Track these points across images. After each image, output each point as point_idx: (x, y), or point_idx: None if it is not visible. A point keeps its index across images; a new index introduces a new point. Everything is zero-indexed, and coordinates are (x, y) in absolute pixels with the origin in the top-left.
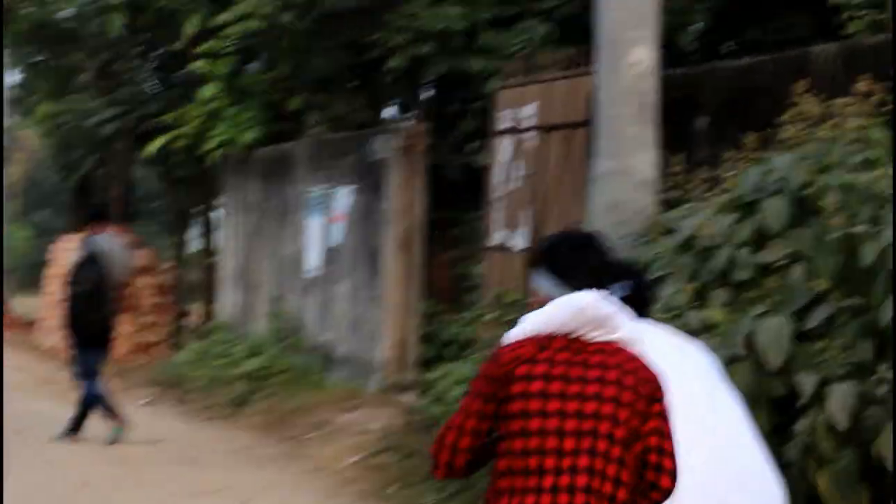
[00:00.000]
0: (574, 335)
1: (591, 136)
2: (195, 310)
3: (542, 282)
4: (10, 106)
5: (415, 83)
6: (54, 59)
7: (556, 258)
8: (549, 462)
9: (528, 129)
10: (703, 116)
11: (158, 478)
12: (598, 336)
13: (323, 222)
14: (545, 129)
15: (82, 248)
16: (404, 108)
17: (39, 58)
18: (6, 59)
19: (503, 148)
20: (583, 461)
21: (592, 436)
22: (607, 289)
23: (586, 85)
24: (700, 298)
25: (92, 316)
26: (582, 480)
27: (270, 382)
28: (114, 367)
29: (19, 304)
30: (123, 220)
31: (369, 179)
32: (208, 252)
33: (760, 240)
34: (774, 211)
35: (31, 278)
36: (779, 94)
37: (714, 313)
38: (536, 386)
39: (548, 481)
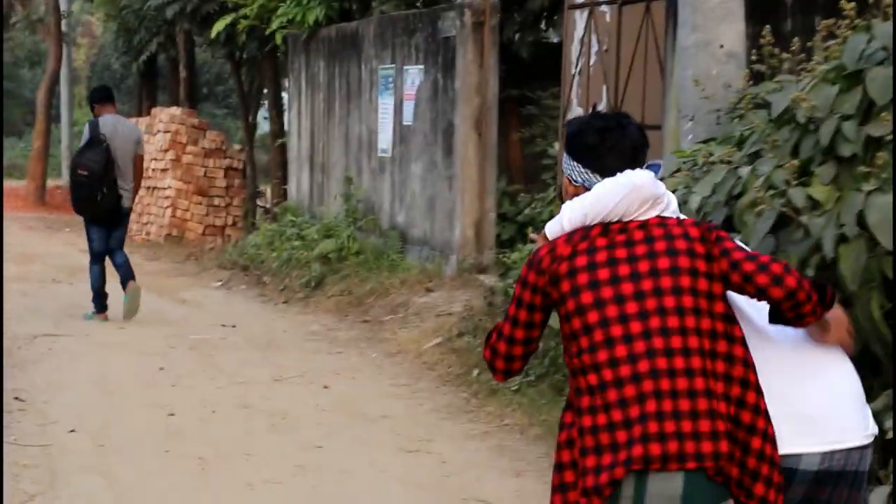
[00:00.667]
0: (612, 220)
1: (670, 8)
2: (267, 192)
3: (575, 169)
4: None
5: None
6: None
7: (582, 142)
8: (621, 350)
9: (603, 3)
10: None
11: (234, 363)
12: (642, 214)
13: (393, 102)
14: (622, 2)
15: (86, 131)
16: None
17: None
18: None
19: (578, 23)
20: (657, 342)
21: (659, 314)
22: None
23: None
24: (803, 174)
25: (96, 197)
26: (662, 363)
27: (345, 264)
28: (187, 250)
29: None
30: (190, 103)
31: (439, 57)
32: (278, 133)
33: (867, 112)
34: (880, 81)
35: None
36: None
37: (819, 190)
38: (583, 278)
39: (625, 370)
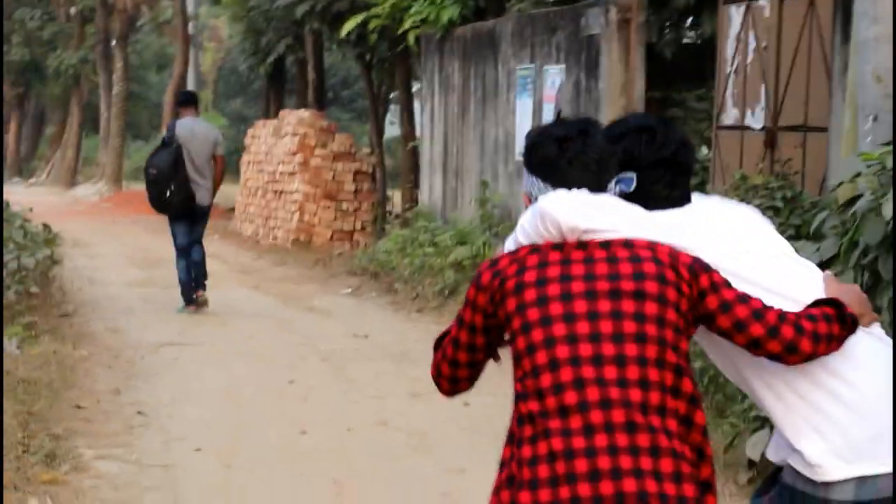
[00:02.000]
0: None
1: (838, 0)
2: (396, 197)
3: (534, 185)
4: None
5: None
6: None
7: (540, 154)
8: (566, 374)
9: None
10: None
11: (368, 376)
12: (597, 235)
13: (532, 103)
14: None
15: (165, 133)
16: None
17: None
18: None
19: (734, 18)
20: (610, 371)
21: (615, 340)
22: (603, 186)
23: None
24: None
25: (169, 196)
26: (614, 393)
27: None
28: (315, 256)
29: (218, 192)
30: (318, 106)
31: (581, 57)
32: (409, 137)
33: None
34: None
35: (228, 165)
36: None
37: None
38: (530, 294)
39: (570, 398)
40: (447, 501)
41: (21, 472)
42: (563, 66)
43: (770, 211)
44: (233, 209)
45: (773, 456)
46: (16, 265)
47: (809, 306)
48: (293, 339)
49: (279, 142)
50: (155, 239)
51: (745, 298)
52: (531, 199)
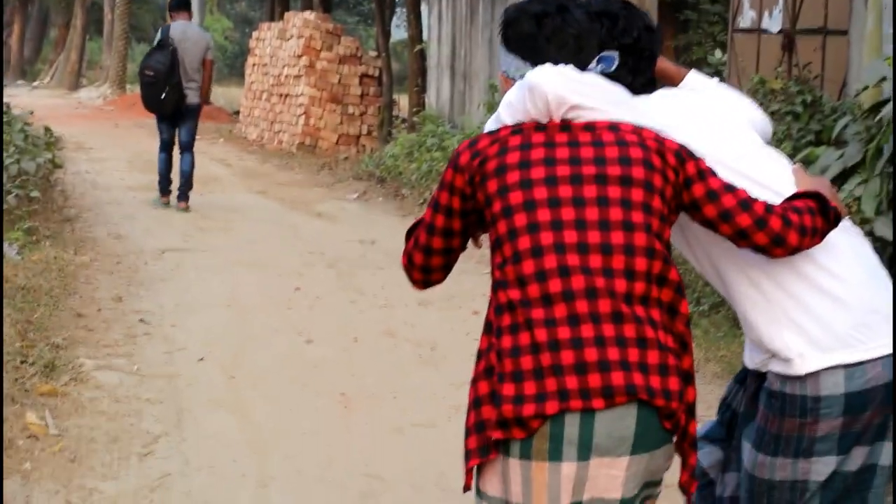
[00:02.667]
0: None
1: None
2: (403, 101)
3: (507, 62)
4: None
5: None
6: None
7: (517, 31)
8: (550, 261)
9: None
10: None
11: (375, 284)
12: (579, 116)
13: None
14: None
15: (158, 35)
16: None
17: None
18: None
19: None
20: (594, 259)
21: (601, 227)
22: (583, 65)
23: None
24: None
25: (164, 97)
26: (600, 282)
27: None
28: (321, 160)
29: (222, 96)
30: (324, 8)
31: None
32: (416, 39)
33: None
34: None
35: (232, 69)
36: None
37: None
38: (513, 177)
39: (554, 285)
40: (456, 415)
41: (19, 383)
42: None
43: (789, 116)
44: (237, 112)
45: (749, 361)
46: (16, 169)
47: (791, 198)
48: (299, 245)
49: (284, 44)
50: (158, 143)
51: (731, 188)
52: (509, 80)
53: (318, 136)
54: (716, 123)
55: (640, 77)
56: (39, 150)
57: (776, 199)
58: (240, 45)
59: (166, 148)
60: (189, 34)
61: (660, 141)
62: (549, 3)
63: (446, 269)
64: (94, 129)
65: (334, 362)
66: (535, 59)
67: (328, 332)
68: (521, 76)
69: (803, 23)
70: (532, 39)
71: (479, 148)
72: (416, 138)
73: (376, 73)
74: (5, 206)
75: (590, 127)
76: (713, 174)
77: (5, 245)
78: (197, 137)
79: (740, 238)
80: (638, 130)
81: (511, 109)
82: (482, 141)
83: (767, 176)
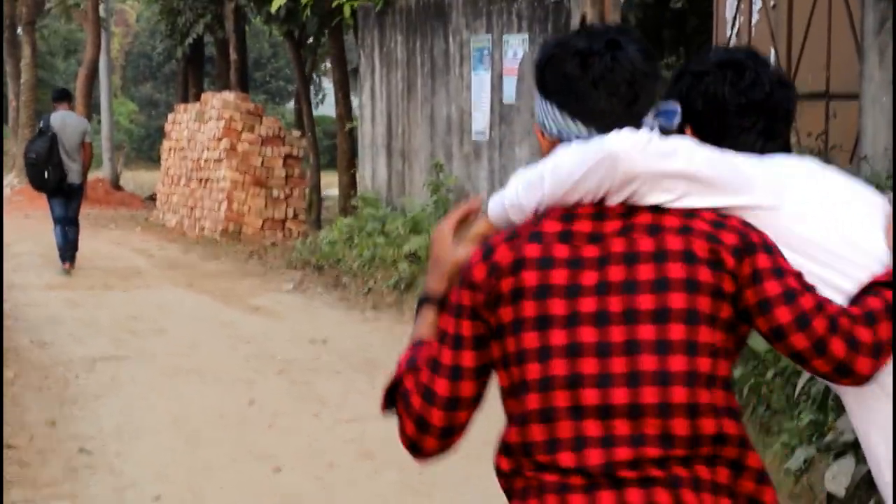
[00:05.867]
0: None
1: None
2: (332, 182)
3: (548, 114)
4: None
5: None
6: None
7: (556, 73)
8: (564, 430)
9: None
10: None
11: (337, 392)
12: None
13: (490, 77)
14: None
15: (39, 123)
16: None
17: None
18: None
19: None
20: (620, 425)
21: (630, 382)
22: (640, 116)
23: None
24: None
25: (47, 176)
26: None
27: None
28: (248, 248)
29: (132, 180)
30: (241, 87)
31: (548, 24)
32: (345, 117)
33: None
34: None
35: (140, 153)
36: None
37: None
38: (529, 309)
39: (565, 459)
40: None
41: None
42: (525, 34)
43: None
44: (151, 198)
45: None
46: None
47: (866, 290)
48: (242, 347)
49: (203, 127)
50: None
51: (791, 295)
52: (546, 135)
53: (242, 222)
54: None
55: (772, 143)
56: None
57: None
58: (146, 128)
59: (59, 222)
60: (68, 121)
61: (714, 235)
62: (596, 37)
63: (465, 427)
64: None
65: (311, 496)
66: (578, 109)
67: (297, 457)
68: (558, 132)
69: (801, 88)
70: (575, 83)
71: (495, 260)
72: (355, 222)
73: (301, 154)
74: None
75: (624, 230)
76: (775, 274)
77: None
78: (112, 227)
79: (799, 362)
80: (688, 226)
81: (528, 193)
82: (498, 250)
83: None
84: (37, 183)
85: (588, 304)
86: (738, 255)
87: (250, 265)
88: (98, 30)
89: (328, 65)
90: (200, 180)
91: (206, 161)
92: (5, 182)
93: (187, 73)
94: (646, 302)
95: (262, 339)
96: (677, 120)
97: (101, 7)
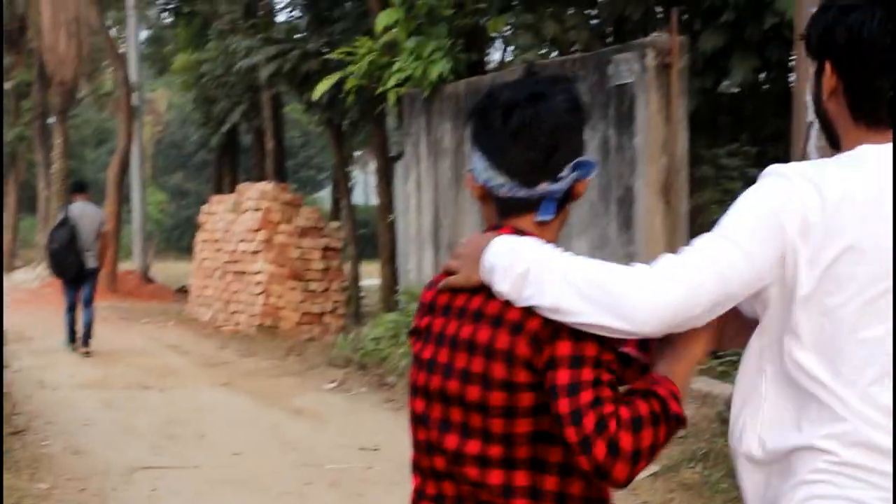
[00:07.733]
0: None
1: None
2: (366, 273)
3: (479, 161)
4: (139, 64)
5: None
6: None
7: (486, 124)
8: (423, 461)
9: None
10: None
11: None
12: None
13: None
14: None
15: (59, 214)
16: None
17: (176, 4)
18: (133, 16)
19: None
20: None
21: (459, 431)
22: (556, 170)
23: None
24: None
25: (66, 264)
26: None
27: None
28: (285, 343)
29: (161, 271)
30: (278, 177)
31: (609, 110)
32: (387, 209)
33: None
34: None
35: (169, 243)
36: None
37: None
38: (416, 347)
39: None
40: None
41: None
42: None
43: None
44: (181, 289)
45: None
46: None
47: (644, 393)
48: (288, 455)
49: (239, 218)
50: (105, 328)
51: (576, 387)
52: (476, 181)
53: (279, 316)
54: None
55: None
56: None
57: None
58: (175, 218)
59: (72, 308)
60: (86, 212)
61: (520, 324)
62: (522, 87)
63: None
64: (33, 315)
65: None
66: (500, 161)
67: None
68: (484, 181)
69: None
70: (496, 135)
71: (424, 296)
72: (399, 318)
73: (339, 246)
74: None
75: (478, 315)
76: (571, 363)
77: None
78: (145, 321)
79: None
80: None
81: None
82: (425, 291)
83: None
84: (57, 269)
85: (443, 356)
86: (536, 344)
87: (288, 362)
88: (131, 119)
89: (356, 153)
90: (236, 273)
91: (242, 253)
92: (34, 274)
93: (221, 163)
94: (460, 362)
95: (309, 446)
96: (592, 173)
97: (135, 96)
